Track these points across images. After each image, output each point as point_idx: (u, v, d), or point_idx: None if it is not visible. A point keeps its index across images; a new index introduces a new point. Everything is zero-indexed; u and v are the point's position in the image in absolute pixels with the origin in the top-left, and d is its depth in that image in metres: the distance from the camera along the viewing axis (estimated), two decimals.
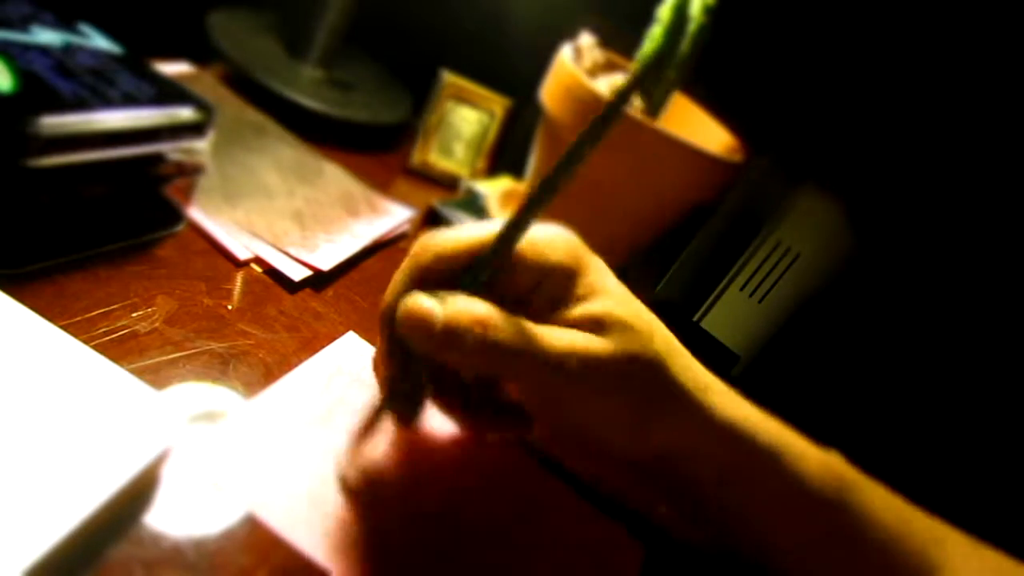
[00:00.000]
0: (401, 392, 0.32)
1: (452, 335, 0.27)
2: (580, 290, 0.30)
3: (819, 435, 0.34)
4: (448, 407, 0.35)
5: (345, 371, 0.39)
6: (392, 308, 0.29)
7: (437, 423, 0.37)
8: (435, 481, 0.35)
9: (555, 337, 0.28)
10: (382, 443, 0.35)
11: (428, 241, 0.30)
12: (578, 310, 0.30)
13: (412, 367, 0.31)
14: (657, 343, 0.30)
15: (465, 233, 0.30)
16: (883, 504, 0.33)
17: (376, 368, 0.34)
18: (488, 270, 0.29)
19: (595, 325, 0.29)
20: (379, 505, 0.32)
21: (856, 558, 0.32)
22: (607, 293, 0.31)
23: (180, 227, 0.43)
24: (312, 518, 0.30)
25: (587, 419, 0.30)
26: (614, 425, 0.30)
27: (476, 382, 0.35)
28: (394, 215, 0.55)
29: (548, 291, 0.30)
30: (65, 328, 0.30)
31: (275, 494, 0.30)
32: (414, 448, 0.36)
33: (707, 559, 0.39)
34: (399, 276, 0.30)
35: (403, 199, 0.58)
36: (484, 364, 0.28)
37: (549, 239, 0.31)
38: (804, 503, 0.31)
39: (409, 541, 0.31)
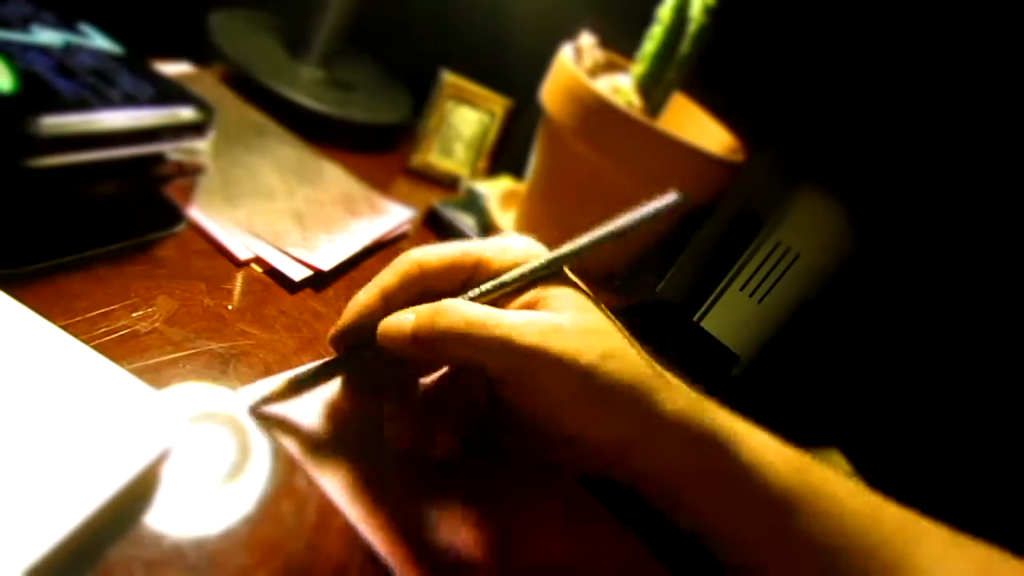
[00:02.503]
0: (330, 371, 0.34)
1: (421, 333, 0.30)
2: (541, 295, 0.32)
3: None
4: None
5: None
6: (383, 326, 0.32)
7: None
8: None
9: (516, 313, 0.30)
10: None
11: (408, 256, 0.33)
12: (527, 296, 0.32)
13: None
14: (611, 342, 0.30)
15: (442, 250, 0.33)
16: (853, 497, 0.31)
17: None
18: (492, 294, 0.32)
19: (547, 305, 0.31)
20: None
21: (817, 547, 0.29)
22: (567, 297, 0.32)
23: (180, 227, 0.43)
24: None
25: (542, 402, 0.30)
26: (564, 412, 0.30)
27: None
28: (394, 215, 0.55)
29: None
30: (65, 328, 0.30)
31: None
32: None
33: None
34: (379, 284, 0.33)
35: (403, 199, 0.58)
36: (457, 351, 0.30)
37: (518, 249, 0.33)
38: (761, 495, 0.29)
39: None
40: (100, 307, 0.34)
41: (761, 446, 0.30)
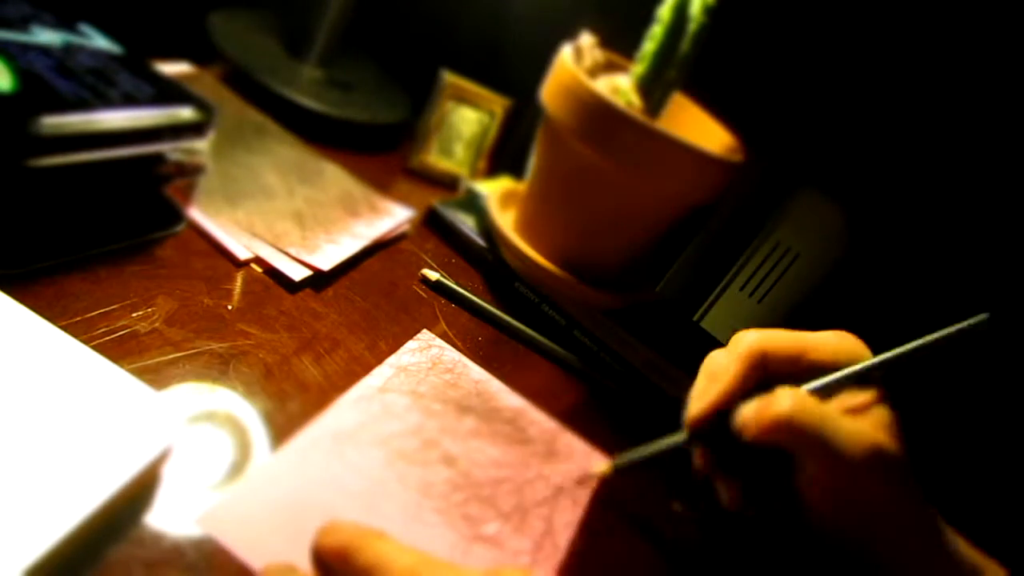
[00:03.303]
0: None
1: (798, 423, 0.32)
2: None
3: None
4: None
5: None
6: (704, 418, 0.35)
7: None
8: None
9: (852, 423, 0.33)
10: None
11: (755, 339, 0.36)
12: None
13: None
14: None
15: (786, 337, 0.36)
16: None
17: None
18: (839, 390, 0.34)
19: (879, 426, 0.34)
20: None
21: None
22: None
23: (180, 227, 0.43)
24: None
25: (853, 504, 0.34)
26: (866, 520, 0.34)
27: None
28: (394, 215, 0.55)
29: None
30: (65, 328, 0.30)
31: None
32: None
33: None
34: (737, 364, 0.35)
35: (403, 199, 0.58)
36: (806, 442, 0.32)
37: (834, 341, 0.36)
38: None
39: None
40: (100, 307, 0.34)
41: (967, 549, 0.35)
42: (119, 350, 0.32)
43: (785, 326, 0.36)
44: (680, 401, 0.37)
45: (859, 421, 0.33)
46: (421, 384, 0.41)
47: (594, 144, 0.48)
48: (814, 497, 0.34)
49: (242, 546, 0.28)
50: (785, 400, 0.33)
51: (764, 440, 0.33)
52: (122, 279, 0.37)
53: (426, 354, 0.43)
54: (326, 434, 0.34)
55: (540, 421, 0.43)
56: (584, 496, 0.39)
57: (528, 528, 0.35)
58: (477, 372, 0.44)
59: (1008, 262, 0.54)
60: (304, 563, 0.26)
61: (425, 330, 0.45)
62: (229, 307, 0.39)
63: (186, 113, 0.40)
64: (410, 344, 0.43)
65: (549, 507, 0.37)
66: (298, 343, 0.39)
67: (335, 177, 0.57)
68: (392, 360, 0.41)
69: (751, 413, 0.33)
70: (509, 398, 0.43)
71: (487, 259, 0.56)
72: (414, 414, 0.38)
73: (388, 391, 0.39)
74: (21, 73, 0.33)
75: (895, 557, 0.35)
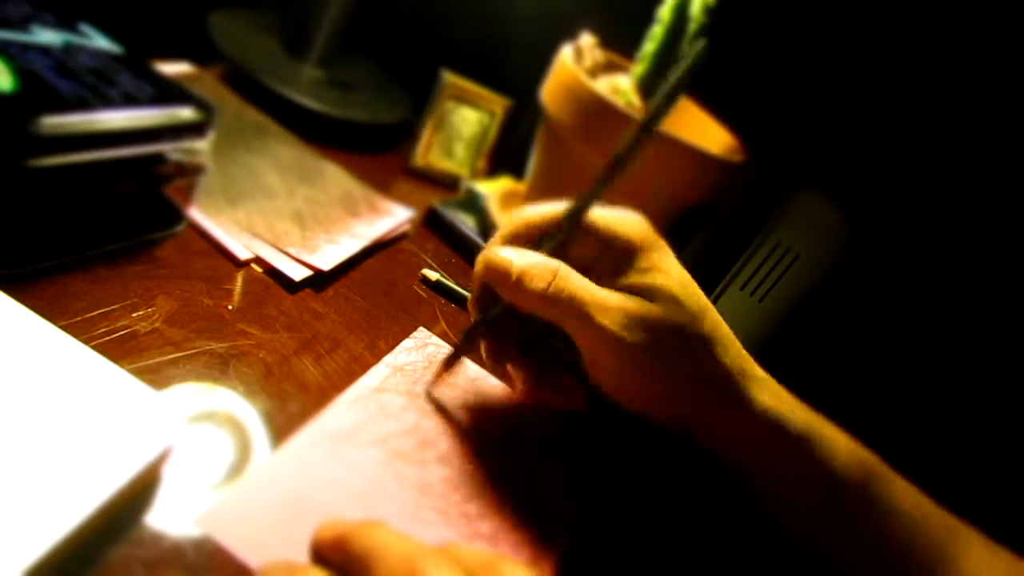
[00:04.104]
0: (475, 334, 0.39)
1: (522, 281, 0.33)
2: (641, 264, 0.34)
3: None
4: (507, 357, 0.39)
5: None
6: (485, 259, 0.36)
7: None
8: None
9: (609, 294, 0.33)
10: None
11: (520, 212, 0.37)
12: (634, 278, 0.34)
13: (490, 313, 0.38)
14: (706, 325, 0.34)
15: (548, 207, 0.36)
16: (905, 495, 0.34)
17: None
18: (560, 235, 0.35)
19: (647, 293, 0.33)
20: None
21: (877, 544, 0.34)
22: (665, 271, 0.34)
23: (180, 227, 0.43)
24: None
25: (625, 380, 0.34)
26: (649, 393, 0.34)
27: (535, 337, 0.39)
28: (394, 215, 0.55)
29: (611, 260, 0.35)
30: (65, 328, 0.30)
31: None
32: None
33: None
34: (496, 237, 0.37)
35: (403, 199, 0.58)
36: (545, 308, 0.33)
37: (622, 217, 0.36)
38: (831, 488, 0.34)
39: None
40: (100, 307, 0.34)
41: (833, 443, 0.34)
42: (119, 350, 0.32)
43: (785, 326, 0.37)
44: None
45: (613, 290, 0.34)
46: (417, 384, 0.41)
47: (594, 144, 0.48)
48: (595, 376, 0.35)
49: (241, 546, 0.28)
50: (559, 271, 0.33)
51: (535, 316, 0.34)
52: (122, 279, 0.37)
53: (422, 352, 0.43)
54: (324, 434, 0.34)
55: (535, 416, 0.43)
56: (578, 498, 0.39)
57: (527, 525, 0.35)
58: (473, 370, 0.44)
59: (1009, 262, 0.54)
60: (303, 562, 0.26)
61: (421, 328, 0.45)
62: (229, 307, 0.39)
63: (186, 113, 0.40)
64: (406, 343, 0.43)
65: (547, 501, 0.37)
66: (298, 343, 0.39)
67: (335, 177, 0.57)
68: (388, 360, 0.41)
69: (527, 275, 0.34)
70: (504, 394, 0.43)
71: None
72: (410, 414, 0.38)
73: (385, 391, 0.39)
74: (21, 73, 0.33)
75: (705, 429, 0.35)
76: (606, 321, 0.32)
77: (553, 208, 0.36)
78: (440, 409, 0.40)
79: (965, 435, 0.56)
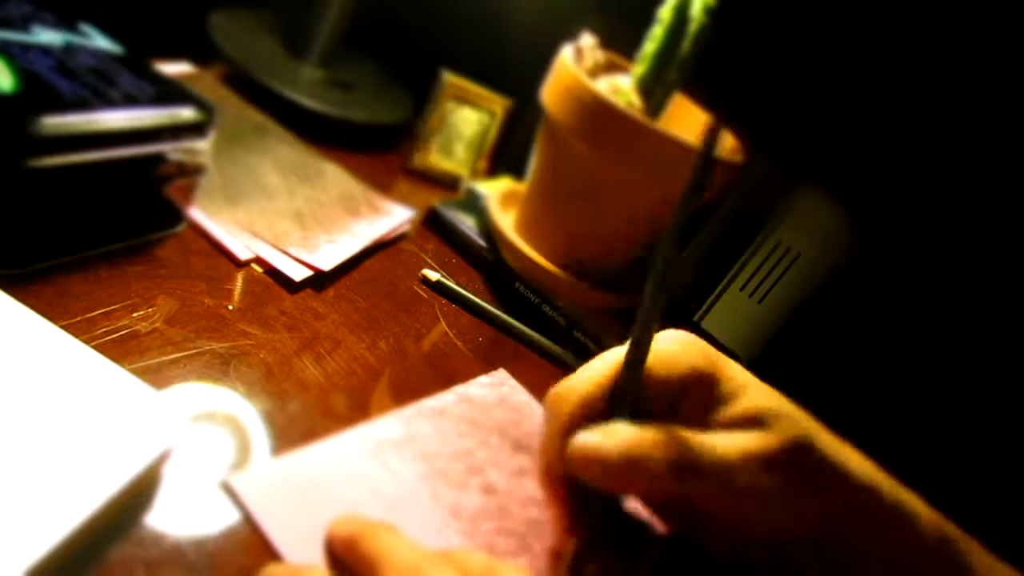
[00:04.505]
0: (588, 557, 0.30)
1: (632, 462, 0.27)
2: (725, 389, 0.30)
3: None
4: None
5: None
6: (558, 467, 0.30)
7: None
8: None
9: (726, 443, 0.28)
10: None
11: (564, 390, 0.31)
12: (734, 409, 0.30)
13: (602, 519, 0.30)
14: (805, 423, 0.30)
15: (595, 369, 0.31)
16: (988, 568, 0.32)
17: (562, 539, 0.32)
18: (630, 397, 0.29)
19: (755, 421, 0.29)
20: None
21: None
22: (751, 386, 0.31)
23: (181, 227, 0.42)
24: None
25: (752, 511, 0.30)
26: (777, 510, 0.30)
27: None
28: (394, 215, 0.55)
29: (693, 399, 0.30)
30: (66, 328, 0.30)
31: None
32: None
33: None
34: (551, 434, 0.30)
35: (403, 199, 0.58)
36: (666, 485, 0.28)
37: (675, 349, 0.31)
38: (920, 560, 0.31)
39: None
40: (100, 307, 0.34)
41: (915, 506, 0.31)
42: (120, 350, 0.32)
43: (785, 326, 0.36)
44: None
45: (729, 432, 0.29)
46: (482, 416, 0.40)
47: (594, 144, 0.48)
48: (717, 544, 0.30)
49: (262, 513, 0.28)
50: (630, 439, 0.28)
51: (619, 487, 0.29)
52: (123, 279, 0.37)
53: (496, 391, 0.43)
54: (371, 437, 0.35)
55: None
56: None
57: (554, 572, 0.33)
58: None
59: (1009, 262, 0.54)
60: (316, 545, 0.27)
61: (502, 369, 0.45)
62: (230, 307, 0.39)
63: (186, 113, 0.40)
64: (482, 379, 0.43)
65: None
66: (299, 343, 0.39)
67: (335, 177, 0.57)
68: (460, 388, 0.41)
69: (593, 453, 0.28)
70: None
71: (487, 259, 0.56)
72: (466, 440, 0.38)
73: (445, 415, 0.39)
74: (21, 73, 0.33)
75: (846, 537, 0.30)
76: (738, 477, 0.28)
77: (600, 369, 0.31)
78: (501, 446, 0.39)
79: (966, 435, 0.56)
